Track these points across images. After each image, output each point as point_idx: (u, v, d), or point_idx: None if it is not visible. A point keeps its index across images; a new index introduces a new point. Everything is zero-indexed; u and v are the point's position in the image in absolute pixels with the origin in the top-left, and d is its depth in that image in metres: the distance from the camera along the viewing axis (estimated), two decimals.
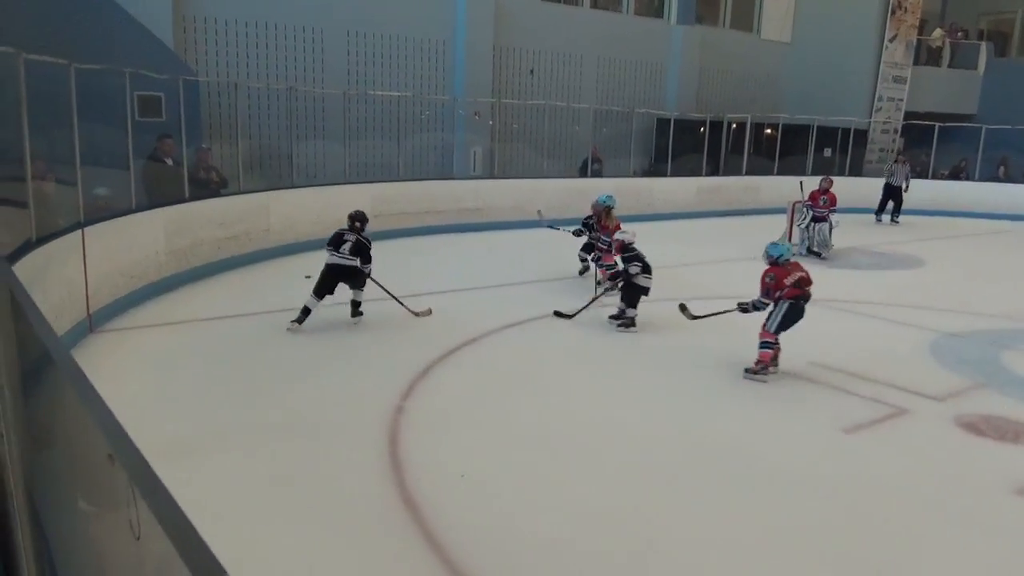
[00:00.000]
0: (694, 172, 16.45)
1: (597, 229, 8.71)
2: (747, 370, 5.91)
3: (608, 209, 8.62)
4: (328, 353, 6.31)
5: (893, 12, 19.23)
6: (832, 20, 19.34)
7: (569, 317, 7.37)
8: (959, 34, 21.59)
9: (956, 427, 5.11)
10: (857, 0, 19.41)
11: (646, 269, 7.12)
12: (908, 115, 19.74)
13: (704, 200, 16.02)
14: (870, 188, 16.60)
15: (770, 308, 5.92)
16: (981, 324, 7.72)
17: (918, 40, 20.16)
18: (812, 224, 11.42)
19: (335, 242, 6.91)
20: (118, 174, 7.60)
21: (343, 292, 7.11)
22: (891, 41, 19.40)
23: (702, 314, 6.60)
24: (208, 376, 5.70)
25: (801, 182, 12.20)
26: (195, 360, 6.06)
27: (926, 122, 18.60)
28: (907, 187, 15.73)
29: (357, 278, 6.94)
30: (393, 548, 3.50)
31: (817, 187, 11.63)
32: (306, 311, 6.77)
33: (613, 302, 7.39)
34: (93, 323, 6.37)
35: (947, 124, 18.68)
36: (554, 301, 7.72)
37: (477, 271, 9.55)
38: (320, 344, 6.52)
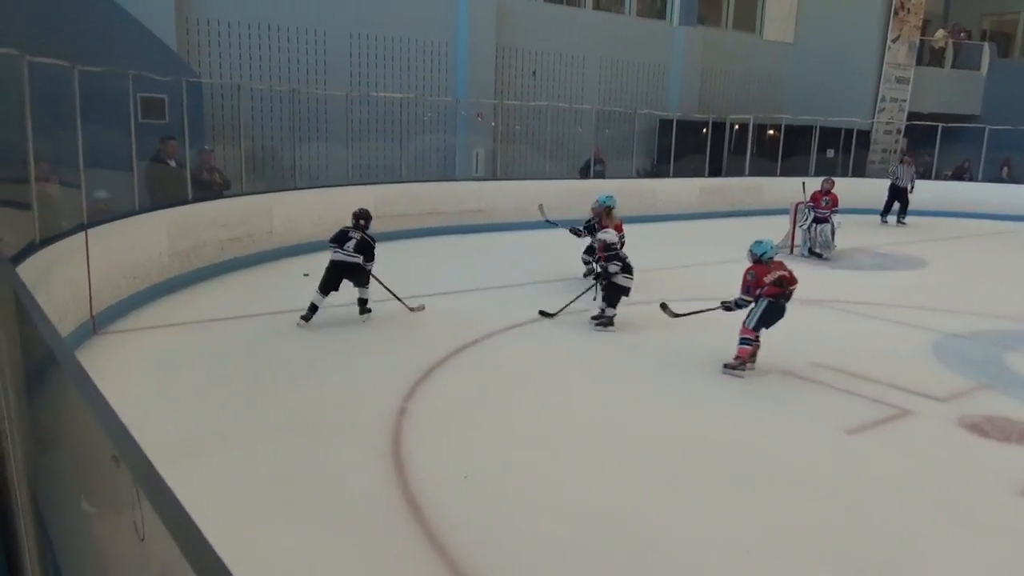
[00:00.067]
0: (697, 173, 16.45)
1: (598, 230, 8.70)
2: (725, 365, 6.00)
3: (608, 209, 8.61)
4: (330, 354, 6.32)
5: (896, 13, 19.21)
6: (835, 21, 19.32)
7: (552, 316, 7.41)
8: (962, 35, 21.55)
9: (959, 428, 5.10)
10: (860, 1, 19.40)
11: (626, 269, 7.16)
12: (911, 116, 19.71)
13: (707, 201, 16.01)
14: (873, 189, 16.57)
15: (752, 305, 5.98)
16: (984, 325, 7.70)
17: (921, 41, 20.14)
18: (814, 225, 11.42)
19: (339, 239, 6.98)
20: (121, 176, 7.61)
21: (344, 294, 7.16)
22: (894, 42, 19.38)
23: (684, 312, 6.67)
24: (211, 377, 5.71)
25: (803, 183, 12.19)
26: (198, 361, 6.07)
27: (929, 123, 18.57)
28: (912, 188, 15.69)
29: (360, 275, 7.02)
30: (395, 548, 3.51)
31: (819, 188, 11.63)
32: (313, 308, 6.89)
33: (603, 301, 7.38)
34: (96, 324, 6.38)
35: (950, 125, 18.65)
36: (555, 302, 7.72)
37: (479, 272, 9.56)
38: (322, 345, 6.52)
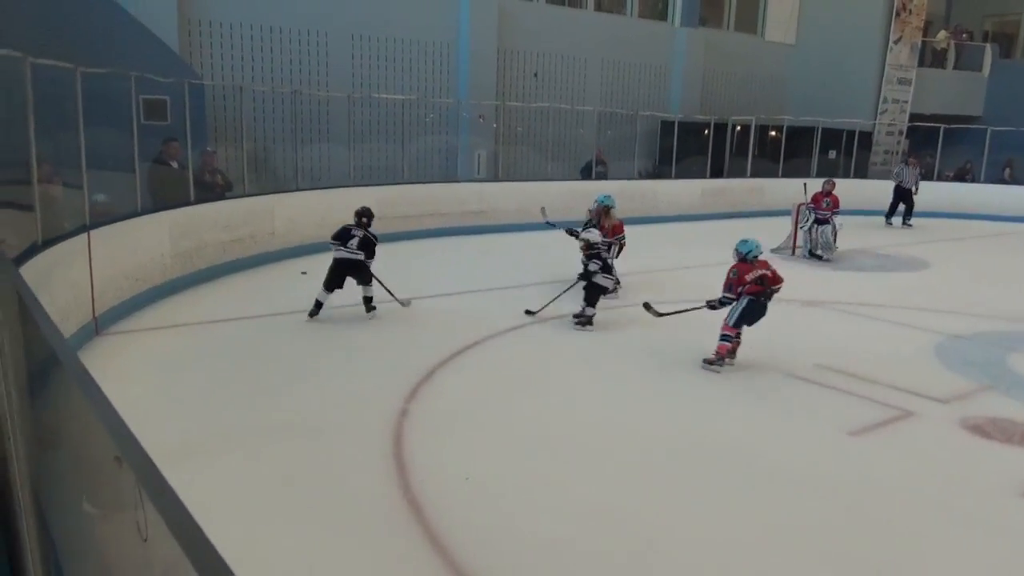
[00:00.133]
0: (698, 174, 16.45)
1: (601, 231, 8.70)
2: (705, 360, 6.08)
3: (607, 209, 8.62)
4: (332, 356, 6.32)
5: (898, 14, 19.20)
6: (836, 22, 19.31)
7: (534, 313, 7.48)
8: (964, 36, 21.53)
9: (962, 429, 5.09)
10: (861, 2, 19.39)
11: (606, 269, 7.20)
12: (913, 117, 19.69)
13: (708, 202, 16.00)
14: (875, 190, 16.56)
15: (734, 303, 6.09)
16: (986, 326, 7.69)
17: (923, 42, 20.12)
18: (815, 226, 11.40)
19: (342, 237, 7.06)
20: (123, 177, 7.62)
21: (345, 295, 7.20)
22: (896, 43, 19.36)
23: (668, 312, 6.74)
24: (213, 378, 5.72)
25: (805, 184, 12.19)
26: (200, 362, 6.07)
27: (931, 124, 18.55)
28: (916, 189, 15.63)
29: (363, 272, 7.11)
30: (397, 549, 3.51)
31: (820, 189, 11.62)
32: (318, 304, 7.06)
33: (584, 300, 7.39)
34: (99, 325, 6.39)
35: (952, 126, 18.62)
36: (556, 303, 7.73)
37: (480, 273, 9.56)
38: (324, 347, 6.53)
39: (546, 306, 7.51)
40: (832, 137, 18.35)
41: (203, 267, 8.47)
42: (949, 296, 9.17)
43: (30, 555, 1.74)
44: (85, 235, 6.21)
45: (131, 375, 5.60)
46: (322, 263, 7.14)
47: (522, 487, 4.14)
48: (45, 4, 8.82)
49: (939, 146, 18.32)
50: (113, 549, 1.21)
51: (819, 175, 14.86)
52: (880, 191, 16.35)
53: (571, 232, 9.12)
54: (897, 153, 19.68)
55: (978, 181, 18.24)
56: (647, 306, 6.85)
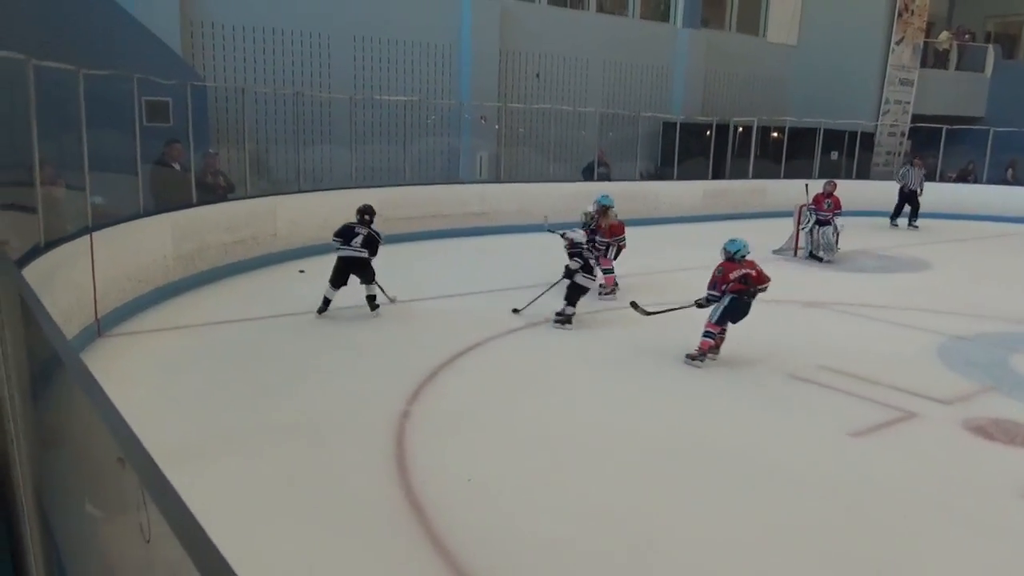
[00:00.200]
0: (700, 175, 16.43)
1: (596, 231, 8.70)
2: (687, 355, 6.23)
3: (605, 208, 8.62)
4: (334, 357, 6.33)
5: (900, 15, 19.19)
6: (838, 23, 19.29)
7: (519, 311, 7.55)
8: (966, 36, 21.52)
9: (964, 431, 5.08)
10: (863, 3, 19.37)
11: (587, 269, 7.23)
12: (915, 118, 19.66)
13: (710, 204, 15.99)
14: (877, 191, 16.54)
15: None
16: (988, 327, 7.68)
17: (925, 43, 20.10)
18: (816, 227, 11.39)
19: (346, 235, 7.14)
20: (126, 179, 7.63)
21: (347, 296, 7.22)
22: (898, 44, 19.35)
23: (656, 311, 6.83)
24: (215, 379, 5.72)
25: (806, 185, 12.17)
26: (202, 363, 6.08)
27: (933, 125, 18.52)
28: (922, 190, 15.56)
29: (367, 270, 7.20)
30: (399, 550, 3.51)
31: (821, 191, 11.60)
32: (326, 301, 7.20)
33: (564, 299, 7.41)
34: (101, 327, 6.40)
35: (954, 127, 18.60)
36: (557, 305, 7.73)
37: (482, 275, 9.56)
38: (326, 348, 6.54)
39: (531, 304, 7.56)
40: (834, 138, 18.33)
41: (205, 269, 8.48)
42: (951, 297, 9.15)
43: (33, 556, 1.74)
44: (87, 237, 6.22)
45: (133, 376, 5.61)
46: (324, 264, 7.16)
47: (523, 487, 4.14)
48: (47, 6, 8.83)
49: (941, 147, 18.29)
50: (116, 550, 1.21)
51: (821, 176, 14.83)
52: (882, 192, 16.33)
53: (562, 234, 9.12)
54: (899, 154, 19.65)
55: (980, 182, 18.21)
56: (634, 305, 6.97)
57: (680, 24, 17.74)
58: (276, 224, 9.92)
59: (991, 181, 18.07)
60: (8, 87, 5.57)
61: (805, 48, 19.73)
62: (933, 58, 20.74)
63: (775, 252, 11.77)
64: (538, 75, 15.70)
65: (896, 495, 4.20)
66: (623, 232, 8.68)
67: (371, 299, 7.30)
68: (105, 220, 6.82)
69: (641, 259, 9.59)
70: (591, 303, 8.17)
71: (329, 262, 7.39)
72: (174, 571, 0.81)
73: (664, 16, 17.91)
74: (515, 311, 7.60)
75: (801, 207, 11.70)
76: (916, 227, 15.53)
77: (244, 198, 9.80)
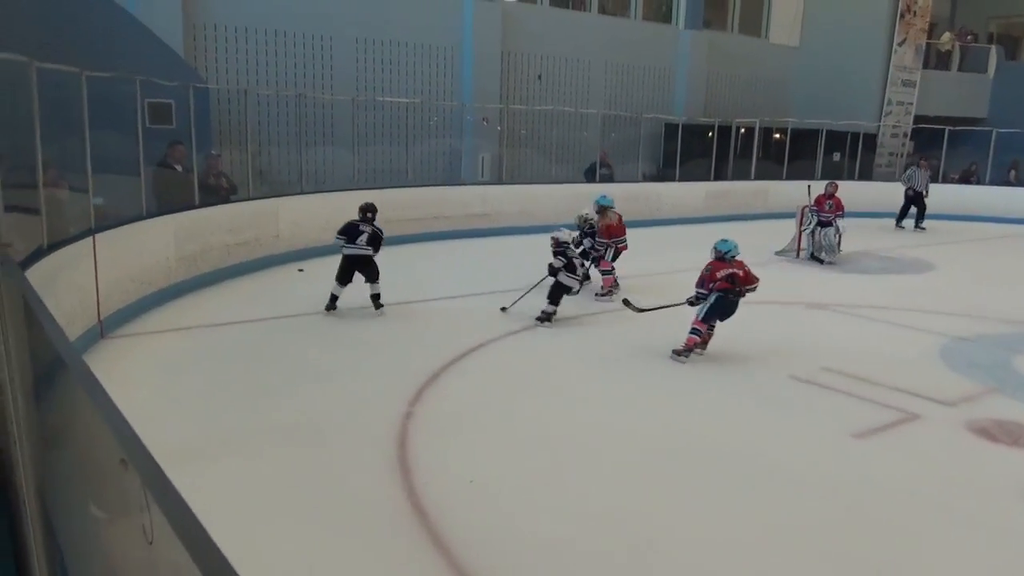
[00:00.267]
0: (702, 177, 16.42)
1: (592, 234, 8.72)
2: (674, 351, 6.34)
3: (603, 208, 8.62)
4: (336, 359, 6.33)
5: (902, 16, 19.17)
6: (841, 24, 19.28)
7: (506, 310, 7.64)
8: (968, 37, 21.49)
9: (967, 432, 5.07)
10: (866, 4, 19.35)
11: (570, 267, 7.27)
12: (918, 119, 19.64)
13: (712, 205, 15.97)
14: (879, 193, 16.52)
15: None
16: (991, 328, 7.67)
17: (927, 44, 20.08)
18: (818, 229, 11.37)
19: (351, 233, 7.23)
20: (129, 181, 7.65)
21: (348, 298, 7.24)
22: (900, 45, 19.33)
23: (648, 308, 6.96)
24: (217, 381, 5.73)
25: (808, 186, 12.16)
26: (204, 365, 6.09)
27: (936, 126, 18.50)
28: (927, 192, 15.49)
29: (371, 268, 7.28)
30: (400, 551, 3.51)
31: (822, 192, 11.59)
32: (334, 298, 7.33)
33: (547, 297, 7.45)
34: (104, 329, 6.41)
35: (957, 128, 18.57)
36: (560, 306, 7.74)
37: (484, 276, 9.56)
38: (328, 349, 6.54)
39: (516, 301, 7.66)
40: (836, 139, 18.31)
41: (208, 270, 8.49)
42: (954, 298, 9.14)
43: (36, 557, 1.75)
44: (90, 239, 6.23)
45: (136, 378, 5.62)
46: (325, 265, 7.18)
47: (524, 488, 4.15)
48: (50, 8, 8.85)
49: (944, 148, 18.27)
50: (118, 551, 1.21)
51: (823, 177, 14.79)
52: (884, 193, 16.31)
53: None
54: (902, 155, 19.63)
55: (983, 183, 18.19)
56: (626, 302, 7.12)
57: (682, 25, 17.75)
58: (278, 226, 9.94)
59: (994, 182, 18.05)
60: (11, 89, 5.58)
61: (807, 49, 19.72)
62: (935, 59, 20.72)
63: (777, 253, 11.77)
64: (540, 77, 15.71)
65: (898, 496, 4.20)
66: (623, 234, 8.66)
67: (375, 298, 7.35)
68: (108, 222, 6.83)
69: (644, 261, 9.59)
70: (591, 304, 8.18)
71: (331, 263, 7.42)
72: (177, 572, 0.81)
73: (666, 17, 17.91)
74: (503, 309, 7.67)
75: (803, 208, 11.69)
76: (923, 229, 15.43)
77: (247, 200, 9.82)
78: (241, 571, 0.80)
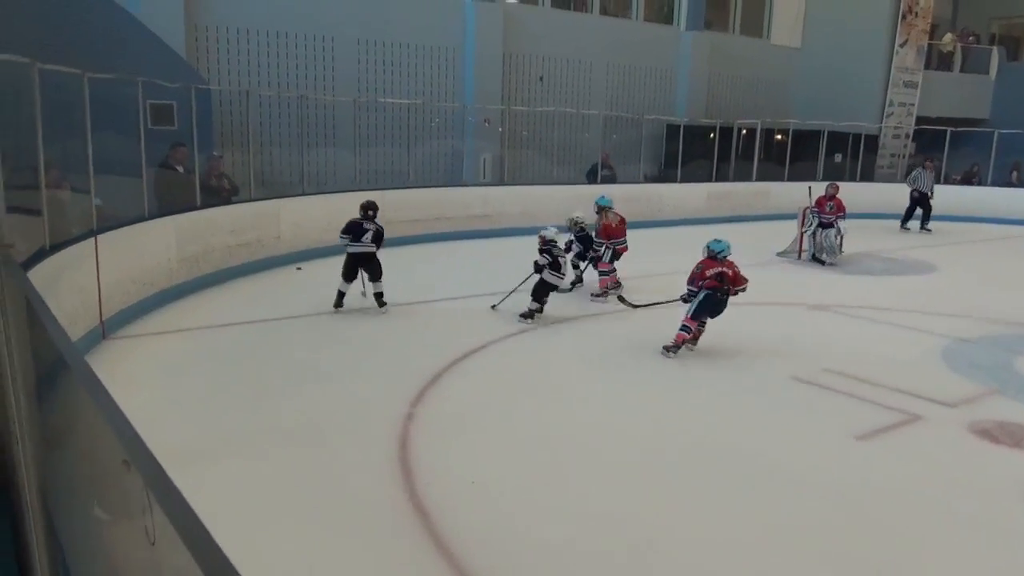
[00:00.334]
0: (704, 178, 16.42)
1: (591, 237, 8.73)
2: (664, 347, 6.43)
3: (602, 208, 8.62)
4: (337, 360, 6.33)
5: (903, 17, 19.16)
6: (842, 25, 19.28)
7: (495, 307, 7.73)
8: (970, 39, 21.48)
9: (969, 433, 5.07)
10: (867, 5, 19.35)
11: (555, 266, 7.33)
12: (919, 120, 19.62)
13: (714, 206, 15.97)
14: (880, 194, 16.50)
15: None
16: (993, 329, 7.66)
17: (929, 45, 20.07)
18: (819, 230, 11.36)
19: (356, 231, 7.32)
20: (131, 182, 7.66)
21: (349, 299, 7.27)
22: (902, 46, 19.32)
23: (643, 304, 7.05)
24: (218, 382, 5.73)
25: (809, 187, 12.14)
26: (206, 366, 6.09)
27: (938, 127, 18.48)
28: (932, 193, 15.39)
29: (375, 266, 7.38)
30: (402, 552, 3.51)
31: (823, 193, 11.58)
32: (341, 295, 7.46)
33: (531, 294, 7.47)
34: (106, 330, 6.41)
35: (959, 129, 18.56)
36: (559, 307, 7.74)
37: (485, 277, 9.55)
38: (329, 350, 6.54)
39: (504, 299, 7.75)
40: (838, 140, 18.30)
41: (209, 271, 8.50)
42: (956, 299, 9.13)
43: (38, 558, 1.75)
44: (92, 240, 6.24)
45: (138, 379, 5.62)
46: (326, 266, 7.20)
47: (525, 489, 4.15)
48: (52, 9, 8.86)
49: (946, 149, 18.25)
50: (121, 552, 1.22)
51: (825, 179, 14.78)
52: (885, 195, 16.29)
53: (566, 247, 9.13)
54: (903, 157, 19.60)
55: (985, 184, 18.15)
56: (621, 299, 7.22)
57: (684, 27, 17.76)
58: (280, 227, 9.94)
59: (996, 183, 18.02)
60: (13, 91, 5.59)
61: (809, 50, 19.72)
62: (937, 60, 20.71)
63: (779, 254, 11.76)
64: (542, 78, 15.71)
65: (899, 497, 4.19)
66: (622, 235, 8.62)
67: (379, 296, 7.41)
68: (109, 223, 6.84)
69: (646, 261, 9.58)
70: (591, 305, 8.18)
71: (332, 264, 7.44)
72: (179, 573, 0.81)
73: (668, 18, 17.92)
74: (493, 307, 7.72)
75: (804, 210, 11.68)
76: (929, 231, 15.31)
77: (248, 201, 9.83)
78: (243, 572, 0.80)
